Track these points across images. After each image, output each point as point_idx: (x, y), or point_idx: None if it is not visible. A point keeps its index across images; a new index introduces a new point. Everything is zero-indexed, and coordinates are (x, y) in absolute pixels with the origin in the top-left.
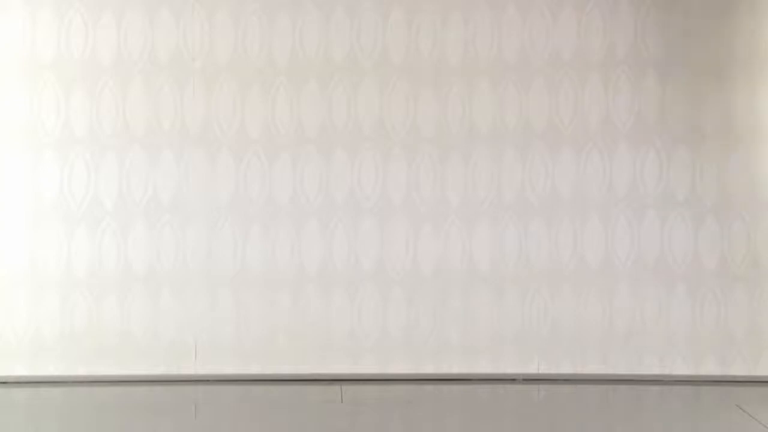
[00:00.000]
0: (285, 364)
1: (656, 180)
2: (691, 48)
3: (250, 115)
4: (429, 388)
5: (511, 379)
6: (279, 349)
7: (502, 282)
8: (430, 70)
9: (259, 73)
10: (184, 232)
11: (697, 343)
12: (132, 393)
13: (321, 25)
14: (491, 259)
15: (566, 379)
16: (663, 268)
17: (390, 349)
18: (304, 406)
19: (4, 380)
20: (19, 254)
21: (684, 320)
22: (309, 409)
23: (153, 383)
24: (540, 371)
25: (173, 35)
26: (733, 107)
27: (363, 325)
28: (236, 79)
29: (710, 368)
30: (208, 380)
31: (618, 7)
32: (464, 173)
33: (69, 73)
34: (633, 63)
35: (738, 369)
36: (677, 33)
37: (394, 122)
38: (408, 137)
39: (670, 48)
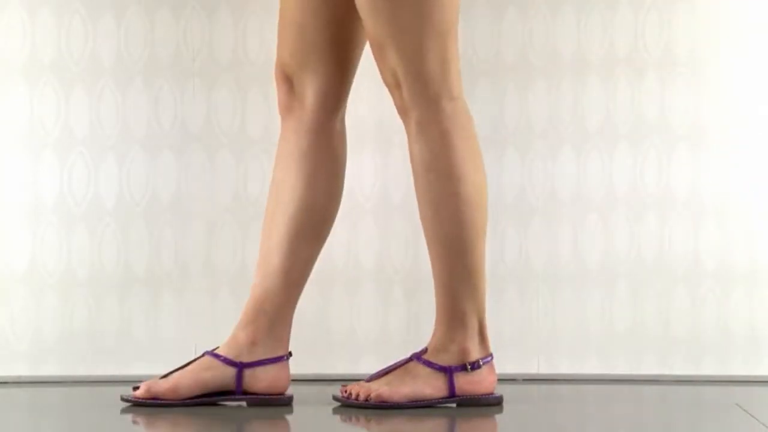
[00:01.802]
0: None
1: (656, 180)
2: (693, 45)
3: (250, 115)
4: None
5: (511, 379)
6: None
7: (502, 282)
8: None
9: (258, 73)
10: (184, 232)
11: (697, 343)
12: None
13: None
14: (491, 259)
15: (566, 379)
16: (663, 267)
17: (390, 350)
18: (303, 406)
19: (4, 380)
20: (19, 254)
21: (684, 320)
22: (309, 408)
23: None
24: (540, 371)
25: (173, 35)
26: (734, 105)
27: (363, 325)
28: (236, 79)
29: (710, 368)
30: None
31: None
32: None
33: (69, 73)
34: (633, 63)
35: (738, 369)
36: (679, 32)
37: (393, 122)
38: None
39: (671, 47)
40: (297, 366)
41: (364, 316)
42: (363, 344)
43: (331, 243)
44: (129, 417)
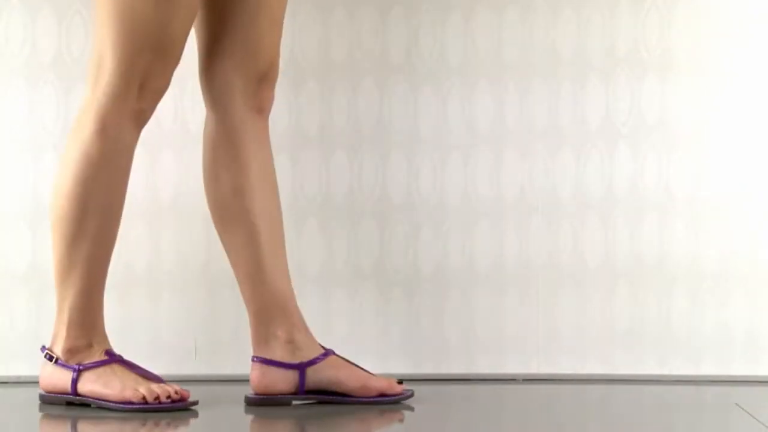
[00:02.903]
0: None
1: (656, 180)
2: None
3: None
4: (429, 388)
5: (511, 379)
6: None
7: (502, 282)
8: (430, 70)
9: None
10: (184, 232)
11: (697, 343)
12: None
13: (320, 25)
14: (491, 259)
15: (566, 379)
16: (663, 267)
17: (390, 350)
18: (304, 406)
19: (4, 380)
20: (19, 254)
21: (684, 320)
22: (309, 408)
23: None
24: (540, 371)
25: None
26: (735, 105)
27: (363, 325)
28: None
29: (710, 368)
30: (208, 380)
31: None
32: (464, 173)
33: (69, 73)
34: (633, 63)
35: (738, 369)
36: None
37: (394, 123)
38: (408, 137)
39: (671, 47)
40: None
41: (364, 316)
42: (363, 344)
43: (330, 243)
44: (128, 417)
